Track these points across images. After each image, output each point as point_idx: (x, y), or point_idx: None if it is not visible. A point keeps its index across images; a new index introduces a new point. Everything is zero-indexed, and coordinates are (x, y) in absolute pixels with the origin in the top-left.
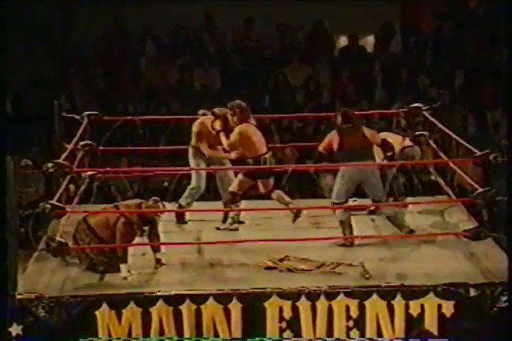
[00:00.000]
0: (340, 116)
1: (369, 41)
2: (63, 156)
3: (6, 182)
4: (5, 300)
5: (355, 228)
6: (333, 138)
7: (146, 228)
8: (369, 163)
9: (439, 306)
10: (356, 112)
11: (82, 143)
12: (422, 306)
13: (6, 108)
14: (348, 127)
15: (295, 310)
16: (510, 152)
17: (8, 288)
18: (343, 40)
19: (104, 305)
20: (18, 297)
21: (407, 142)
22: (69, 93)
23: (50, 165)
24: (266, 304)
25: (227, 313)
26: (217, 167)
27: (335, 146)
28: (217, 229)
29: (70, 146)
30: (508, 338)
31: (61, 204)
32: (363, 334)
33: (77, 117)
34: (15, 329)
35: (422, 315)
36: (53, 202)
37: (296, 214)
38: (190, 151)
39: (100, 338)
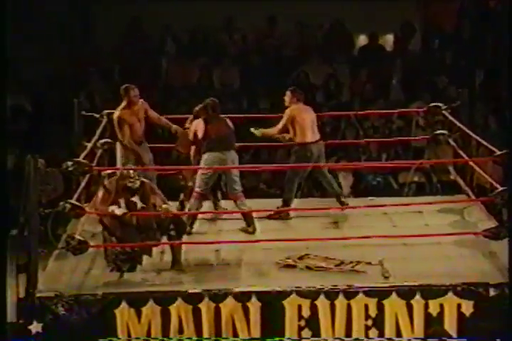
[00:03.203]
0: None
1: (389, 40)
2: (83, 155)
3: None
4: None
5: (373, 227)
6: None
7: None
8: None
9: (459, 306)
10: (375, 111)
11: (101, 141)
12: (442, 305)
13: (25, 107)
14: (214, 117)
15: (314, 308)
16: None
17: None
18: (362, 39)
19: (124, 304)
20: (38, 295)
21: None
22: (88, 92)
23: (69, 163)
24: (285, 302)
25: (246, 311)
26: (221, 166)
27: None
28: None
29: (89, 145)
30: None
31: (80, 204)
32: (381, 334)
33: (97, 116)
34: (35, 327)
35: (441, 314)
36: (73, 201)
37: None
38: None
39: (120, 338)
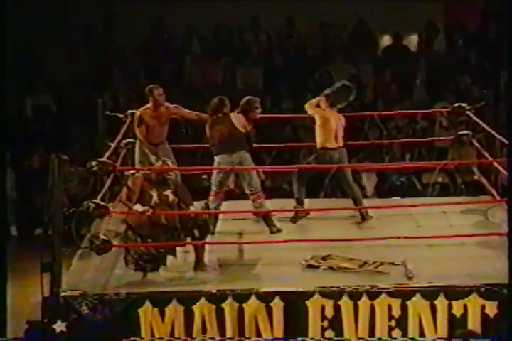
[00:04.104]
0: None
1: (412, 40)
2: (107, 154)
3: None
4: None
5: (397, 228)
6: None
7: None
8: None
9: (483, 306)
10: (398, 111)
11: (124, 141)
12: (465, 306)
13: (50, 107)
14: (217, 117)
15: (337, 309)
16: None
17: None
18: (386, 39)
19: (147, 303)
20: (62, 294)
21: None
22: (113, 92)
23: (94, 163)
24: (308, 303)
25: (270, 311)
26: (238, 166)
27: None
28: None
29: (113, 145)
30: None
31: (105, 204)
32: (405, 334)
33: (121, 116)
34: (59, 326)
35: (465, 315)
36: (97, 201)
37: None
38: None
39: (143, 338)
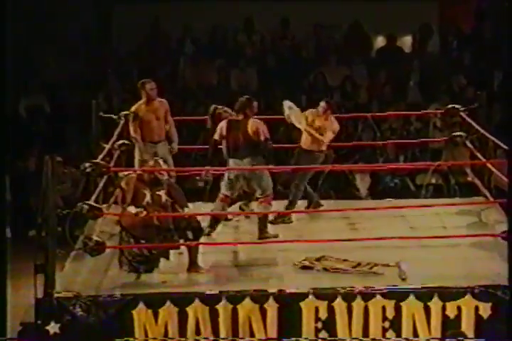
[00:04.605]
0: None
1: (407, 41)
2: (101, 156)
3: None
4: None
5: (391, 229)
6: (222, 128)
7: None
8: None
9: (476, 308)
10: (393, 113)
11: (118, 142)
12: (459, 308)
13: (44, 108)
14: (236, 121)
15: (331, 310)
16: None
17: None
18: (380, 40)
19: (141, 305)
20: (56, 295)
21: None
22: (107, 93)
23: (87, 164)
24: (302, 304)
25: (263, 313)
26: (244, 167)
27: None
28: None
29: (107, 146)
30: None
31: (98, 205)
32: (399, 336)
33: (114, 117)
34: (52, 328)
35: (458, 316)
36: (91, 202)
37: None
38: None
39: (136, 338)
